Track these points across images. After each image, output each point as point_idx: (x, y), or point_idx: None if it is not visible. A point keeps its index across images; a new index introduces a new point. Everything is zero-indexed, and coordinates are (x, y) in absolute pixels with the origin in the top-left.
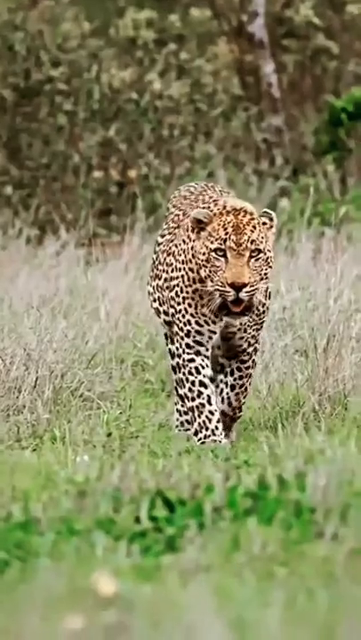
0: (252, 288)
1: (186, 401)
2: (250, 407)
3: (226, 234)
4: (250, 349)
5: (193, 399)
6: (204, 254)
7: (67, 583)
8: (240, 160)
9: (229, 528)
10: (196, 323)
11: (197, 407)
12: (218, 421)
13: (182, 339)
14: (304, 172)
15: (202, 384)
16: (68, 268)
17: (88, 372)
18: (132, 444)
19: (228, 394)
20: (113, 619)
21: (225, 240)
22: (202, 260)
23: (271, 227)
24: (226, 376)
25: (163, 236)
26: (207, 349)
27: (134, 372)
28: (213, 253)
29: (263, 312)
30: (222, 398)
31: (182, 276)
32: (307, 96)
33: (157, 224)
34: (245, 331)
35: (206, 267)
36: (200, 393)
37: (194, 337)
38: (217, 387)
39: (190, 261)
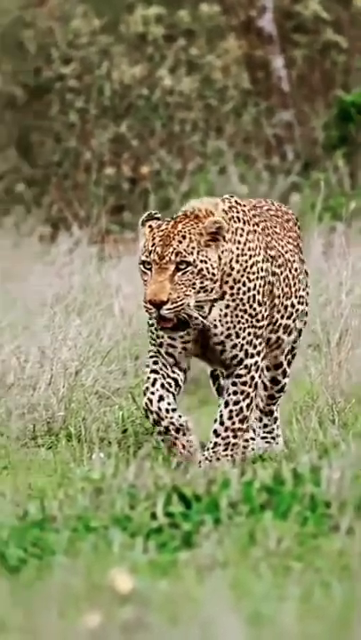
0: (175, 305)
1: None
2: None
3: (153, 245)
4: (248, 361)
5: (144, 393)
6: (139, 265)
7: (83, 580)
8: (251, 155)
9: (245, 523)
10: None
11: (147, 403)
12: (160, 400)
13: (155, 345)
14: (315, 167)
15: (153, 371)
16: (82, 265)
17: (103, 368)
18: (148, 441)
19: (220, 412)
20: (130, 615)
21: (150, 252)
22: (139, 272)
23: (215, 238)
24: (222, 397)
25: None
26: (177, 363)
27: None
28: (142, 266)
29: (257, 314)
30: (215, 419)
31: None
32: (316, 91)
33: None
34: (237, 336)
35: (141, 279)
36: (148, 378)
37: (166, 349)
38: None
39: None
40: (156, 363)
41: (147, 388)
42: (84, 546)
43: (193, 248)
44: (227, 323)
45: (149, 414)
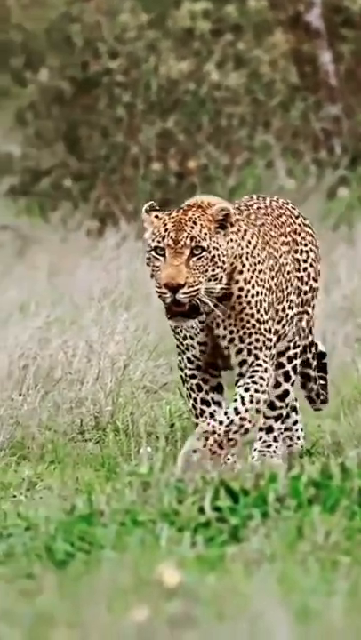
0: (191, 289)
1: (193, 417)
2: None
3: (166, 231)
4: (258, 364)
5: (196, 416)
6: (147, 252)
7: (131, 575)
8: (299, 149)
9: (293, 517)
10: (190, 337)
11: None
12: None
13: (183, 352)
14: None
15: (204, 402)
16: (129, 259)
17: (150, 363)
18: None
19: (241, 395)
20: (178, 609)
21: (164, 237)
22: (146, 260)
23: (223, 225)
24: (238, 390)
25: None
26: (207, 362)
27: None
28: (153, 252)
29: (265, 321)
30: (235, 398)
31: None
32: None
33: None
34: (241, 341)
35: (150, 266)
36: (203, 411)
37: (190, 350)
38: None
39: None
40: (200, 388)
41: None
42: (131, 540)
43: (205, 234)
44: (230, 325)
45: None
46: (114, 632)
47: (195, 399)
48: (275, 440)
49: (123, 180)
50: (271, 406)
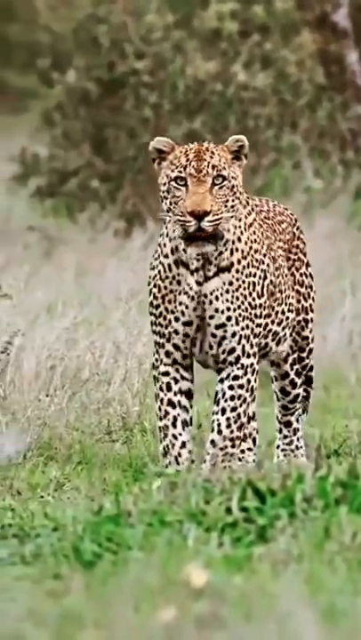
0: (216, 217)
1: (157, 419)
2: (339, 396)
3: (187, 160)
4: (244, 361)
5: (160, 418)
6: (164, 184)
7: (158, 575)
8: (326, 150)
9: (320, 517)
10: (175, 319)
11: (162, 429)
12: (182, 447)
13: (162, 346)
14: None
15: (170, 403)
16: None
17: None
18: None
19: (218, 420)
20: (205, 610)
21: (185, 167)
22: (163, 192)
23: (238, 156)
24: (218, 403)
25: None
26: (184, 357)
27: None
28: (174, 182)
29: (256, 307)
30: (212, 427)
31: (158, 272)
32: None
33: None
34: (236, 322)
35: (167, 198)
36: (166, 413)
37: (172, 339)
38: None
39: (163, 254)
40: (170, 388)
41: (166, 427)
42: (158, 540)
43: (225, 163)
44: (227, 301)
45: (168, 456)
46: (141, 633)
47: (161, 399)
48: (295, 433)
49: (150, 180)
50: (284, 409)
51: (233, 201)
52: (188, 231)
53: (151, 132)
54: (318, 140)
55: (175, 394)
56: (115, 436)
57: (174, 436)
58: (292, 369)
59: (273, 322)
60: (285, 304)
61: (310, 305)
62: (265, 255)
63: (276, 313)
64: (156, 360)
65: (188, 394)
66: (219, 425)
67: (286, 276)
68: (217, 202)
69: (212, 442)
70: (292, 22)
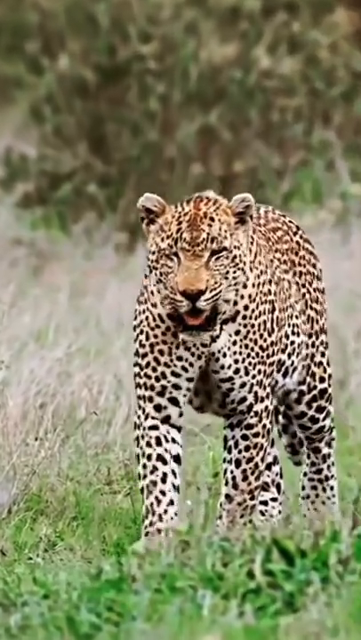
0: (213, 294)
1: (139, 479)
2: None
3: (179, 231)
4: (258, 407)
5: (145, 476)
6: (153, 253)
7: None
8: None
9: (358, 582)
10: (172, 373)
11: (147, 486)
12: (169, 504)
13: (150, 400)
14: None
15: (160, 458)
16: None
17: None
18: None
19: (232, 472)
20: None
21: (176, 240)
22: (152, 262)
23: (243, 219)
24: (230, 451)
25: None
26: (180, 414)
27: None
28: (164, 253)
29: (267, 347)
30: (226, 480)
31: (146, 318)
32: None
33: None
34: (247, 372)
35: (157, 268)
36: (155, 469)
37: (170, 393)
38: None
39: (151, 302)
40: (159, 443)
41: (153, 484)
42: (168, 610)
43: (226, 231)
44: (235, 354)
45: (150, 516)
46: None
47: (149, 455)
48: (325, 460)
49: (157, 185)
50: (309, 440)
51: (235, 272)
52: (179, 311)
53: (158, 127)
54: (355, 137)
55: (166, 450)
56: (116, 486)
57: (162, 492)
58: (307, 407)
59: (278, 349)
60: (289, 325)
61: (323, 325)
62: (270, 281)
63: (280, 338)
64: (140, 416)
65: (177, 459)
66: (234, 478)
67: (288, 290)
68: (214, 275)
69: (227, 496)
70: None
